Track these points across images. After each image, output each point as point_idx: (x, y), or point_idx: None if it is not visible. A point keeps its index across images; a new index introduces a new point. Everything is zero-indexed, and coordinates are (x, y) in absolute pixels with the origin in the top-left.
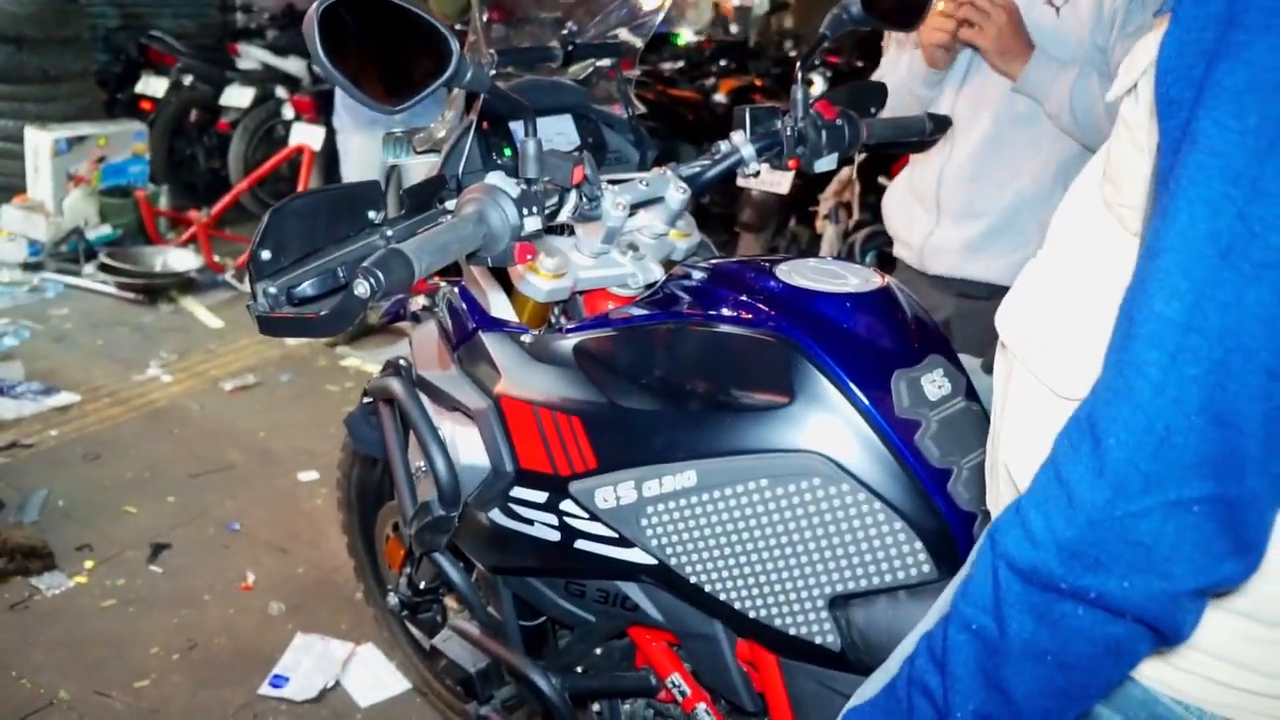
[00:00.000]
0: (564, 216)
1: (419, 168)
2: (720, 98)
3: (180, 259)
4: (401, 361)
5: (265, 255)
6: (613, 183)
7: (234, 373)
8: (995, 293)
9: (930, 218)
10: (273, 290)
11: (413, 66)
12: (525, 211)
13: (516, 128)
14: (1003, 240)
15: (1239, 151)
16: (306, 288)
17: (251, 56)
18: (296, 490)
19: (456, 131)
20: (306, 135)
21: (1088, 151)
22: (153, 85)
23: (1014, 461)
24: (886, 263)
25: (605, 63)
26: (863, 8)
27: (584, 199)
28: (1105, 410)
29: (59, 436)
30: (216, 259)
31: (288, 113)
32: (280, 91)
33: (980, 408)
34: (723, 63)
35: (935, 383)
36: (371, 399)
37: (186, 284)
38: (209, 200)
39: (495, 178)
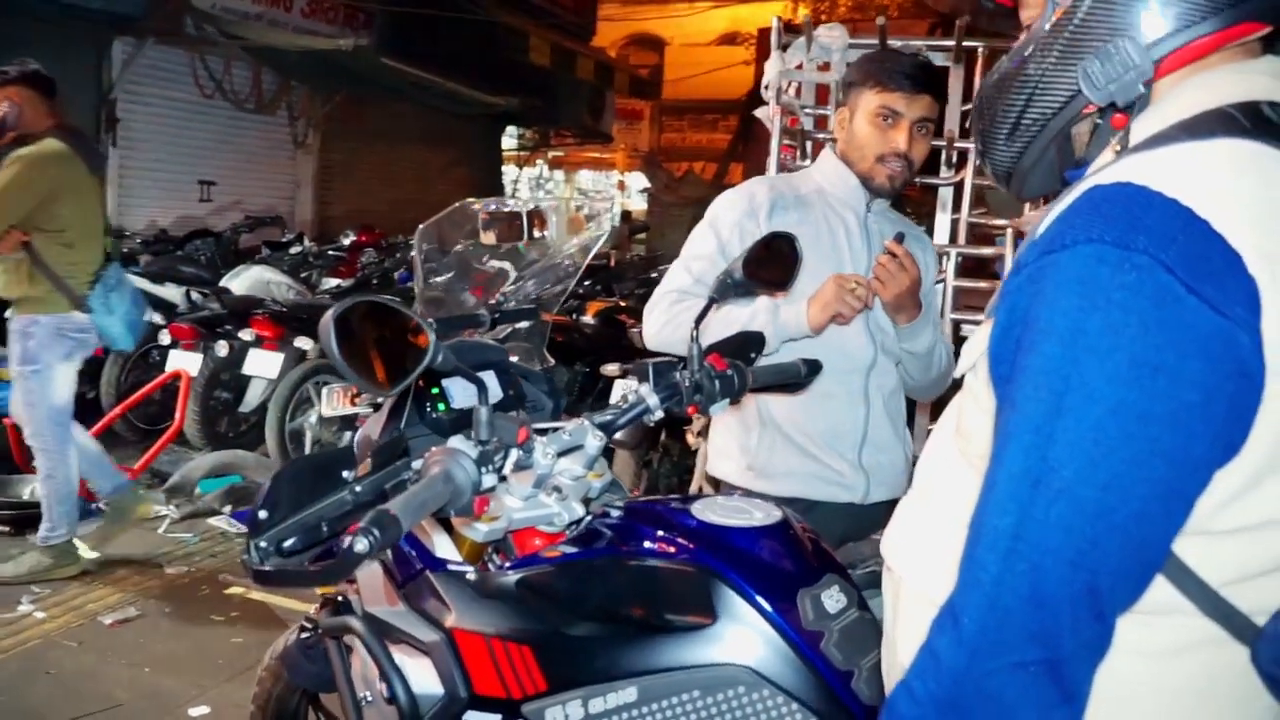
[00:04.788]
0: (507, 469)
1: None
2: (588, 319)
3: None
4: (341, 599)
5: (263, 515)
6: (539, 432)
7: (113, 605)
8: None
9: (859, 475)
10: (264, 544)
11: (400, 353)
12: (484, 469)
13: (448, 384)
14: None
15: (1038, 413)
16: (294, 541)
17: None
18: None
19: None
20: (184, 361)
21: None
22: None
23: (910, 660)
24: None
25: (523, 325)
26: (744, 274)
27: (523, 452)
28: (960, 598)
29: None
30: (89, 488)
31: (164, 338)
32: (156, 318)
33: (872, 616)
34: (588, 283)
35: (833, 598)
36: (309, 634)
37: None
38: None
39: (457, 441)
